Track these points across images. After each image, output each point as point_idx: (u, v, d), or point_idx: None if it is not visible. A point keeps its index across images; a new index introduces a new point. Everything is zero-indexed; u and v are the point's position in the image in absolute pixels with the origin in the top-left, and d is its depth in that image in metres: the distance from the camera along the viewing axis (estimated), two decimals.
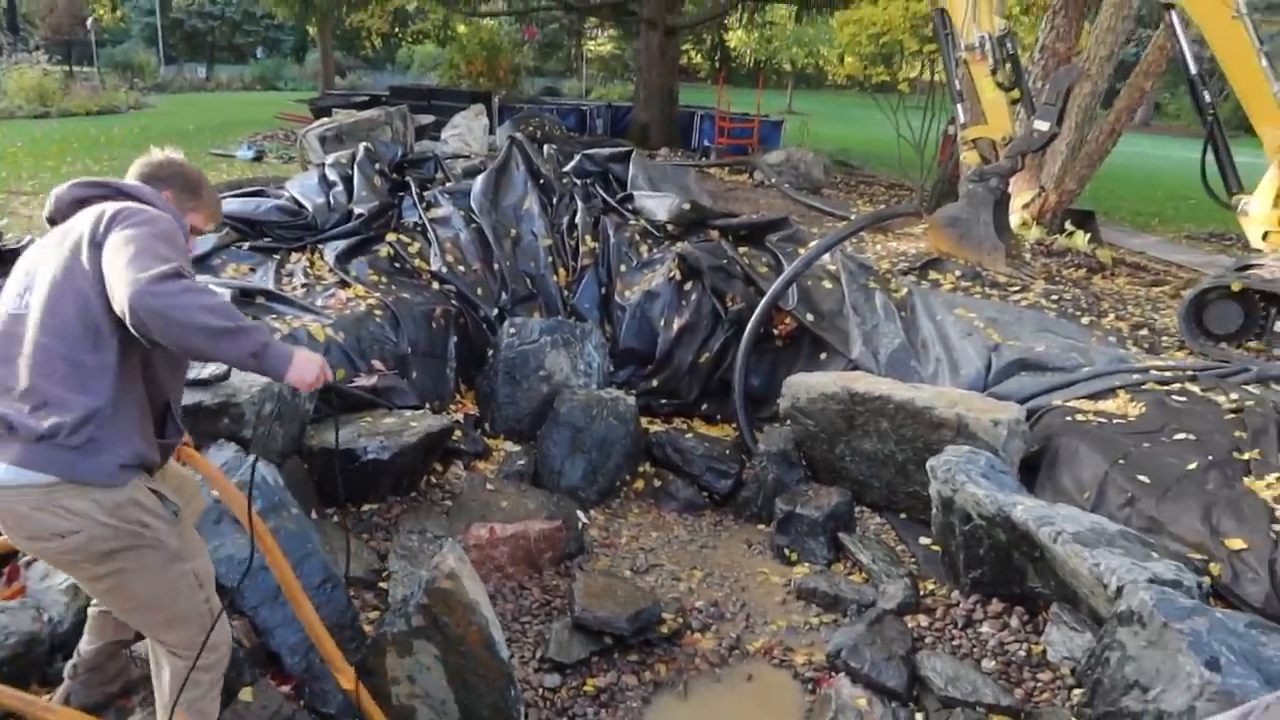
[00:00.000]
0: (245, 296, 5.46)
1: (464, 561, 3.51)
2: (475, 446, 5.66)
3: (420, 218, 6.85)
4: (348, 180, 7.01)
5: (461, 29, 25.41)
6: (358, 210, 6.69)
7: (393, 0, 18.50)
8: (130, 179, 2.46)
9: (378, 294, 5.92)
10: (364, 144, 7.59)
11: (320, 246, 6.36)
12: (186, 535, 2.47)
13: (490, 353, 6.18)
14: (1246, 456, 4.48)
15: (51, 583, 2.90)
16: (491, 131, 12.67)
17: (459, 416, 5.80)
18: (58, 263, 2.20)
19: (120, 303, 2.04)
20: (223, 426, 4.14)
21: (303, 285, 5.91)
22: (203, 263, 5.96)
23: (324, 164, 7.32)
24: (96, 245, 2.16)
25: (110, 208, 2.23)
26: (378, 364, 5.59)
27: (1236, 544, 3.97)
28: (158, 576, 2.33)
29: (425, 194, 7.18)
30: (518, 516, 4.91)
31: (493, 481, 5.38)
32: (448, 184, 7.50)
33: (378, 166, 7.35)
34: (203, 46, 36.56)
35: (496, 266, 6.69)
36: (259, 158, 13.32)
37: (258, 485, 3.68)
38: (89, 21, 29.91)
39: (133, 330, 2.06)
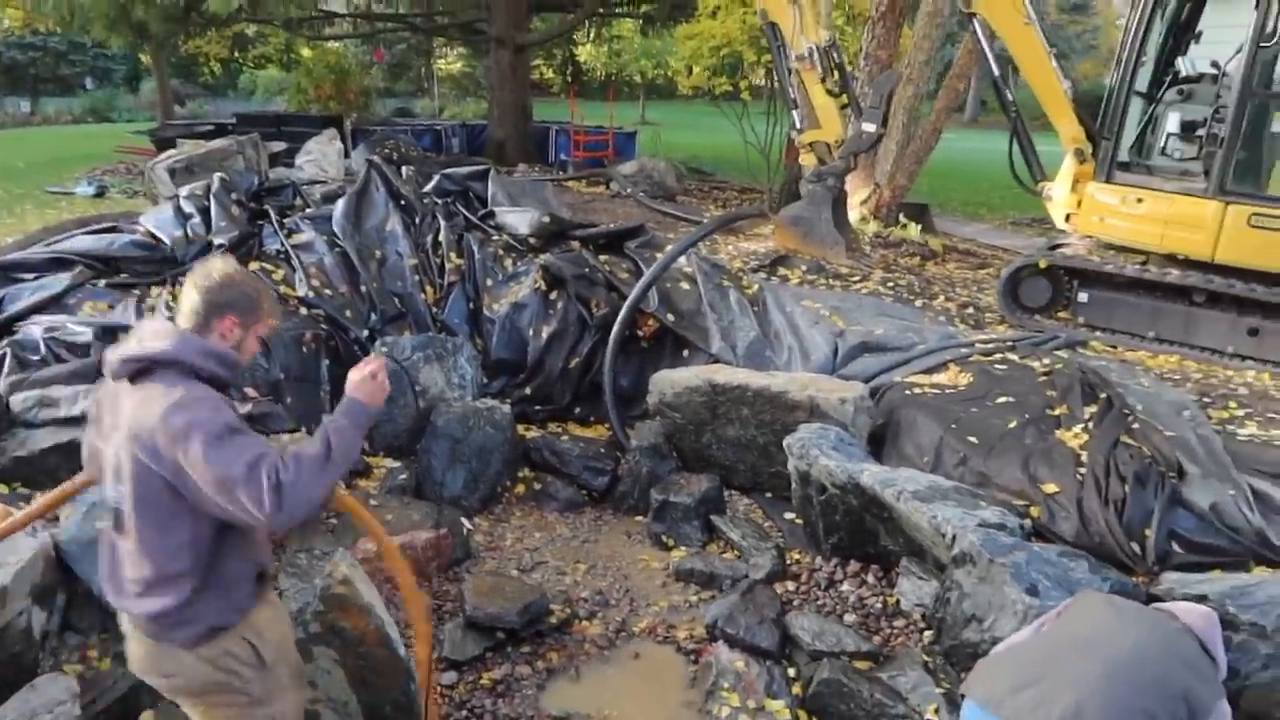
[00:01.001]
0: (107, 334, 5.42)
1: (356, 567, 3.68)
2: (355, 465, 5.76)
3: (283, 244, 6.89)
4: (205, 211, 6.98)
5: (306, 52, 24.93)
6: (218, 241, 6.68)
7: (232, 25, 18.09)
8: (189, 315, 2.47)
9: None
10: (219, 174, 7.55)
11: (181, 279, 6.31)
12: (274, 678, 2.65)
13: None
14: (1057, 412, 5.07)
15: None
16: (347, 155, 12.62)
17: None
18: (139, 468, 2.34)
19: (266, 524, 2.26)
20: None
21: (167, 318, 5.88)
22: (57, 303, 5.89)
23: (178, 196, 7.25)
24: (172, 459, 2.28)
25: (162, 419, 2.28)
26: (251, 391, 5.64)
27: (1050, 488, 4.52)
28: (253, 708, 2.60)
29: (286, 221, 7.21)
30: (403, 528, 5.05)
31: (375, 497, 5.51)
32: (308, 210, 7.55)
33: (234, 196, 7.33)
34: (25, 79, 34.50)
35: (363, 288, 6.80)
36: (101, 193, 12.83)
37: None
38: None
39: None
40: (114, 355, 2.42)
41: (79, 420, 4.18)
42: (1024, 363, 5.78)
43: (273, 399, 5.71)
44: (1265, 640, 3.51)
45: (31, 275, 6.08)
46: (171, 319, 5.86)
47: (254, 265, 6.68)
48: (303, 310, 6.48)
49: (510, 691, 4.22)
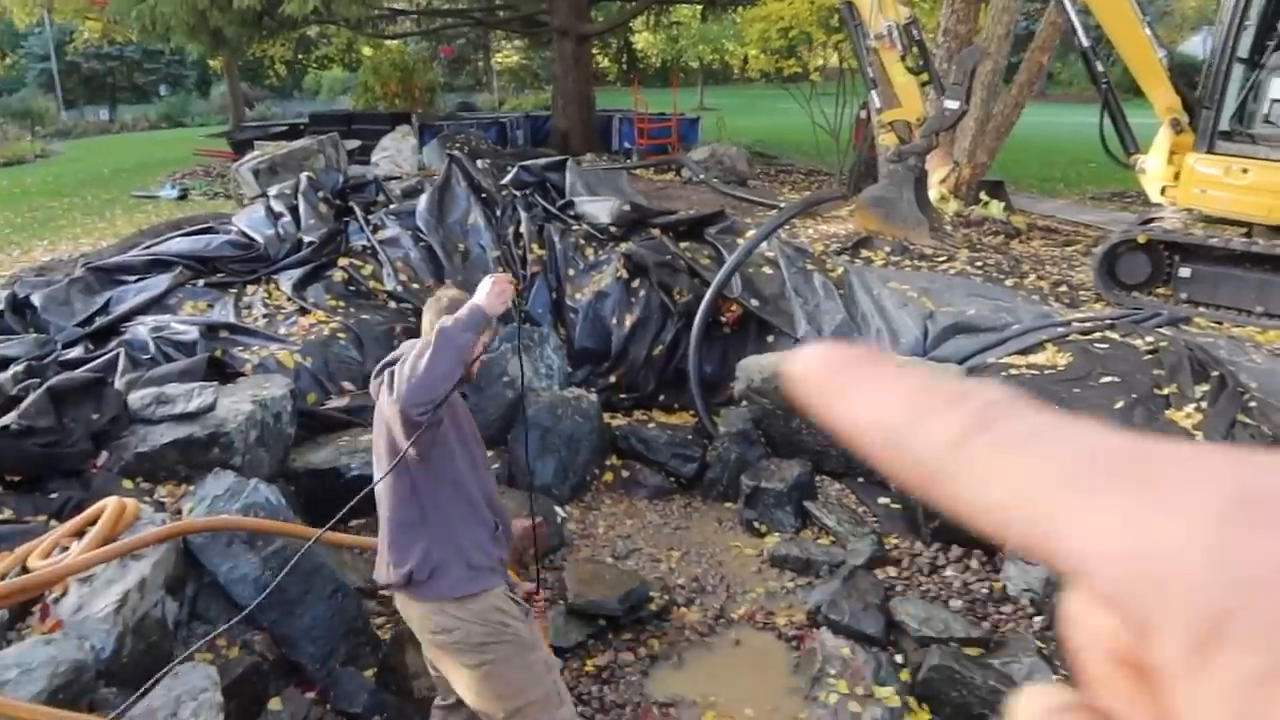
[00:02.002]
0: (210, 331, 5.58)
1: None
2: None
3: (369, 240, 7.00)
4: (294, 210, 7.13)
5: (367, 51, 25.29)
6: (308, 239, 6.82)
7: (301, 28, 18.40)
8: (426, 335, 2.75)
9: (338, 317, 6.07)
10: (306, 174, 7.70)
11: (275, 277, 6.48)
12: (533, 628, 2.93)
13: None
14: (1165, 391, 4.92)
15: (89, 613, 3.04)
16: (418, 151, 12.78)
17: None
18: (380, 446, 2.74)
19: (408, 418, 2.52)
20: (214, 456, 4.29)
21: (264, 316, 6.03)
22: (159, 303, 6.06)
23: (268, 195, 7.41)
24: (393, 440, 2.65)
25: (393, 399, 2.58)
26: (347, 385, 5.75)
27: None
28: (518, 665, 2.81)
29: (370, 217, 7.33)
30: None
31: None
32: (391, 206, 7.66)
33: (321, 194, 7.47)
34: (103, 88, 35.67)
35: (448, 281, 6.88)
36: (184, 196, 13.22)
37: (262, 506, 3.86)
38: None
39: (421, 429, 2.56)
40: (373, 381, 2.85)
41: (194, 416, 4.31)
42: (1125, 341, 5.62)
43: (366, 392, 5.81)
44: None
45: (134, 277, 6.26)
46: (268, 316, 6.00)
47: (343, 261, 6.81)
48: (391, 304, 6.58)
49: (615, 678, 4.24)
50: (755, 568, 5.16)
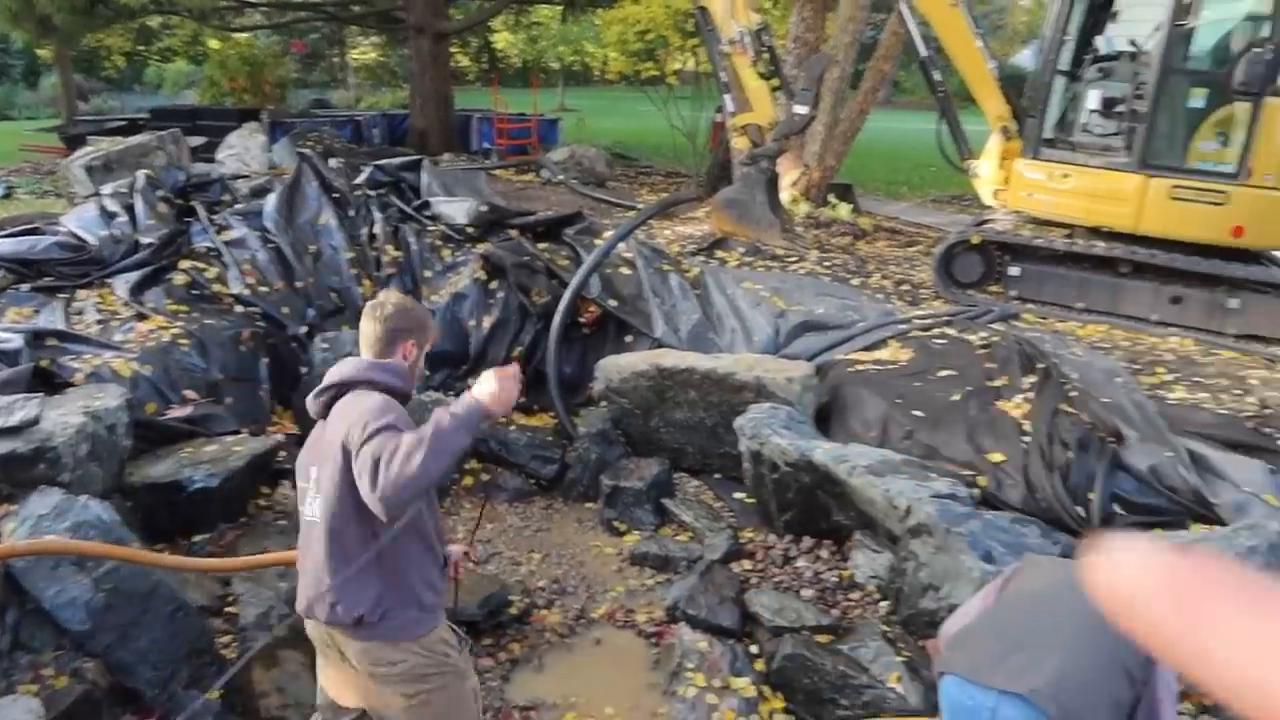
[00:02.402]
0: (37, 339, 5.22)
1: None
2: None
3: (213, 241, 6.70)
4: (130, 210, 6.75)
5: (214, 44, 24.14)
6: (145, 240, 6.47)
7: (139, 18, 17.42)
8: (373, 344, 2.72)
9: (180, 323, 5.79)
10: (143, 171, 7.30)
11: (109, 280, 6.13)
12: (466, 656, 2.93)
13: (304, 370, 6.17)
14: (997, 384, 5.23)
15: None
16: (268, 149, 12.30)
17: (280, 436, 5.77)
18: (327, 484, 2.56)
19: (379, 512, 2.38)
20: (39, 473, 4.02)
21: (97, 322, 5.69)
22: None
23: (100, 194, 6.99)
24: (346, 475, 2.47)
25: (348, 428, 2.46)
26: (190, 393, 5.49)
27: (996, 457, 4.66)
28: (454, 693, 2.79)
29: (215, 217, 7.01)
30: None
31: None
32: (237, 205, 7.35)
33: (160, 193, 7.09)
34: None
35: (299, 284, 6.65)
36: (8, 194, 12.30)
37: (93, 524, 3.64)
38: None
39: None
40: (309, 399, 2.75)
41: (17, 430, 4.02)
42: (961, 336, 5.94)
43: (212, 400, 5.57)
44: None
45: None
46: (102, 322, 5.66)
47: (185, 264, 6.50)
48: (238, 308, 6.32)
49: None
50: (615, 567, 5.20)
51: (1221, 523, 4.22)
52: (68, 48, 20.98)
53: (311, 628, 2.81)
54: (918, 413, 5.09)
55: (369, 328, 2.74)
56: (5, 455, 3.95)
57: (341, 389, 2.64)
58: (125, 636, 3.50)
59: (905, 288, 7.36)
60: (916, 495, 4.20)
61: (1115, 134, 7.00)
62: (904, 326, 6.13)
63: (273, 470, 5.36)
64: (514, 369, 2.62)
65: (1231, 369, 6.01)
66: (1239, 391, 5.59)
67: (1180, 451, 4.52)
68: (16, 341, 5.08)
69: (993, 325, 6.15)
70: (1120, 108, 6.98)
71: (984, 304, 6.86)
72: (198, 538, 4.78)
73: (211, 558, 4.32)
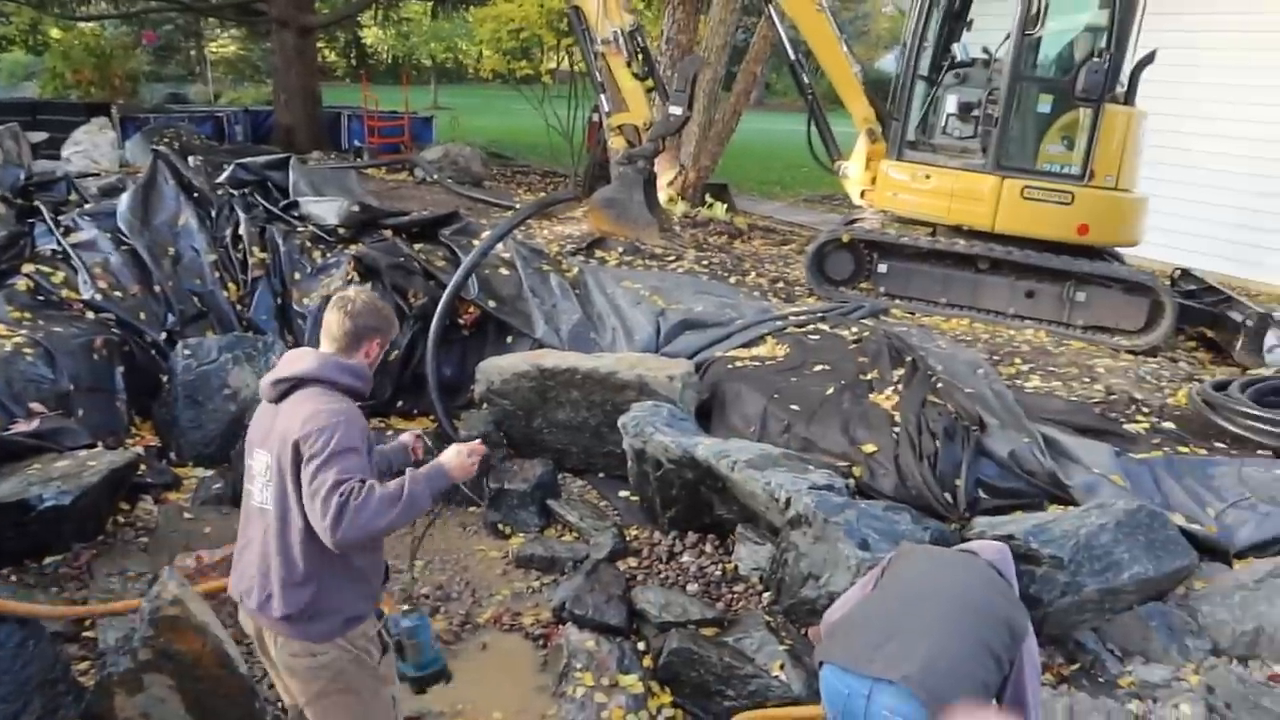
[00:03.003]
0: None
1: (185, 586, 3.44)
2: (163, 478, 5.38)
3: (60, 244, 6.30)
4: None
5: (55, 34, 22.70)
6: None
7: None
8: (338, 339, 2.73)
9: (23, 331, 5.43)
10: None
11: None
12: (388, 660, 2.91)
13: (165, 378, 5.88)
14: (868, 377, 5.41)
15: None
16: (119, 146, 11.65)
17: (139, 449, 5.47)
18: (276, 476, 2.60)
19: (328, 542, 2.48)
20: None
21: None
22: None
23: None
24: (297, 474, 2.54)
25: (299, 429, 2.53)
26: (37, 406, 5.15)
27: (870, 448, 4.82)
28: (368, 697, 2.77)
29: (61, 218, 6.59)
30: (224, 540, 4.76)
31: (190, 509, 5.17)
32: (86, 205, 6.93)
33: None
34: None
35: (158, 288, 6.33)
36: None
37: None
38: None
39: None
40: (265, 381, 2.74)
41: None
42: (834, 332, 6.12)
43: (62, 413, 5.24)
44: (1062, 570, 3.90)
45: None
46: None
47: (28, 267, 6.09)
48: (89, 315, 5.96)
49: None
50: (501, 570, 5.13)
51: (1075, 503, 4.48)
52: None
53: (242, 614, 2.83)
54: (795, 407, 5.22)
55: (336, 322, 2.74)
56: None
57: (300, 383, 2.66)
58: None
59: (780, 285, 7.54)
60: (795, 487, 4.30)
61: (972, 137, 7.34)
62: (780, 323, 6.27)
63: (132, 485, 5.08)
64: (481, 446, 2.86)
65: (1081, 358, 6.38)
66: (1088, 379, 5.95)
67: (1036, 437, 4.77)
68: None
69: (863, 320, 6.36)
70: (976, 112, 7.32)
71: (855, 300, 7.08)
72: (49, 559, 4.49)
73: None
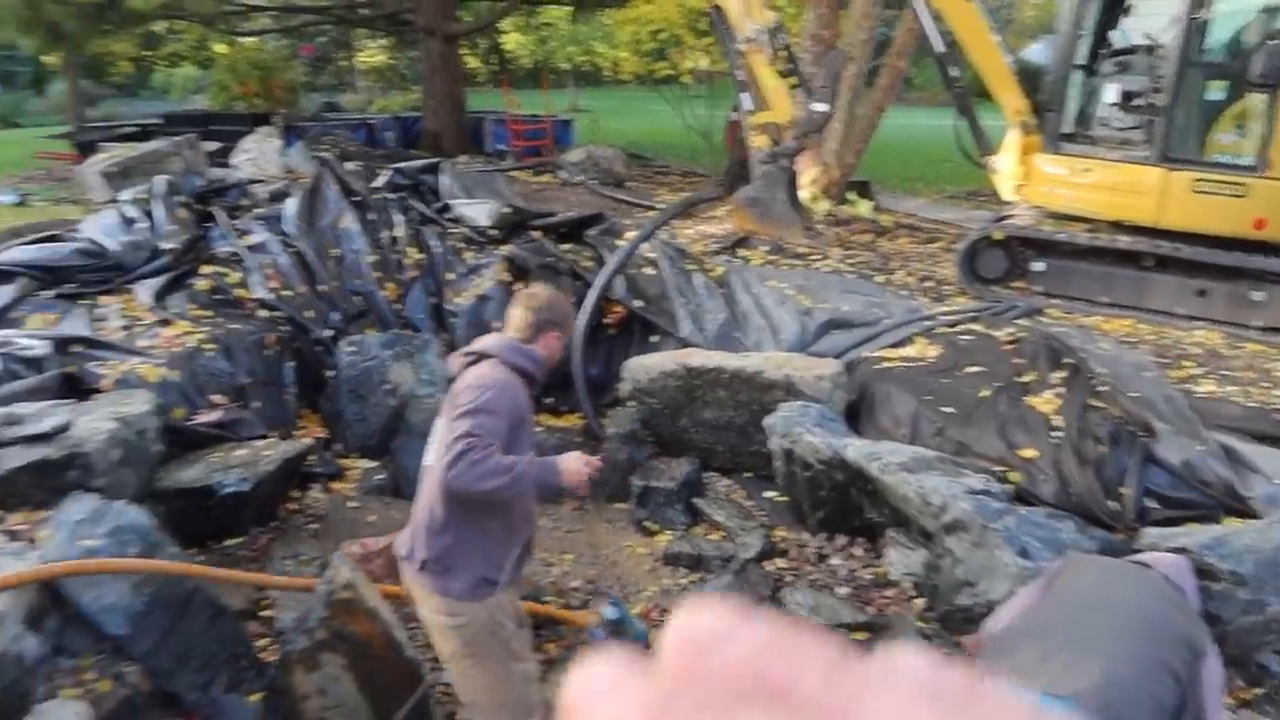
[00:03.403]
0: (63, 346, 5.24)
1: (357, 571, 3.62)
2: (330, 468, 5.66)
3: (235, 246, 6.71)
4: (150, 216, 6.77)
5: (221, 49, 24.21)
6: (166, 245, 6.48)
7: (147, 23, 17.47)
8: (521, 328, 3.01)
9: (204, 328, 5.80)
10: (162, 176, 7.32)
11: (132, 286, 6.14)
12: (523, 639, 3.13)
13: (330, 374, 6.18)
14: (1025, 379, 5.20)
15: None
16: (283, 153, 12.34)
17: (309, 440, 5.78)
18: (445, 432, 2.82)
19: (442, 481, 2.74)
20: (72, 479, 4.03)
21: (122, 328, 5.70)
22: (1, 317, 5.65)
23: (118, 200, 7.01)
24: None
25: (462, 388, 2.84)
26: (217, 398, 5.50)
27: (1028, 453, 4.64)
28: (501, 667, 2.98)
29: (235, 222, 7.03)
30: (387, 529, 4.97)
31: (355, 499, 5.43)
32: (256, 210, 7.36)
33: (179, 199, 7.11)
34: None
35: (322, 287, 6.66)
36: (23, 202, 12.36)
37: (129, 530, 3.65)
38: None
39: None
40: (453, 356, 3.11)
41: (48, 437, 4.04)
42: (988, 333, 5.91)
43: (240, 405, 5.58)
44: (1243, 587, 3.66)
45: None
46: (126, 328, 5.69)
47: (206, 269, 6.51)
48: (262, 313, 6.33)
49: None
50: (649, 566, 5.18)
51: (1255, 516, 4.20)
52: (76, 55, 21.10)
53: (403, 579, 3.09)
54: (947, 409, 5.07)
55: (519, 314, 3.03)
56: (38, 462, 3.96)
57: (482, 357, 2.94)
58: (165, 641, 3.51)
59: (929, 284, 7.34)
60: (950, 492, 4.18)
61: (1134, 128, 6.98)
62: (930, 323, 6.11)
63: (302, 474, 5.37)
64: (599, 462, 3.05)
65: (1258, 362, 5.98)
66: (1266, 384, 5.57)
67: (1212, 445, 4.50)
68: (43, 348, 5.09)
69: (1018, 321, 6.13)
70: (1138, 101, 6.95)
71: (1009, 300, 6.83)
72: (230, 541, 4.79)
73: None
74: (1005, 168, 7.66)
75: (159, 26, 22.79)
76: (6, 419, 4.10)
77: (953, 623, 4.08)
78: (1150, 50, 7.12)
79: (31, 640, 3.18)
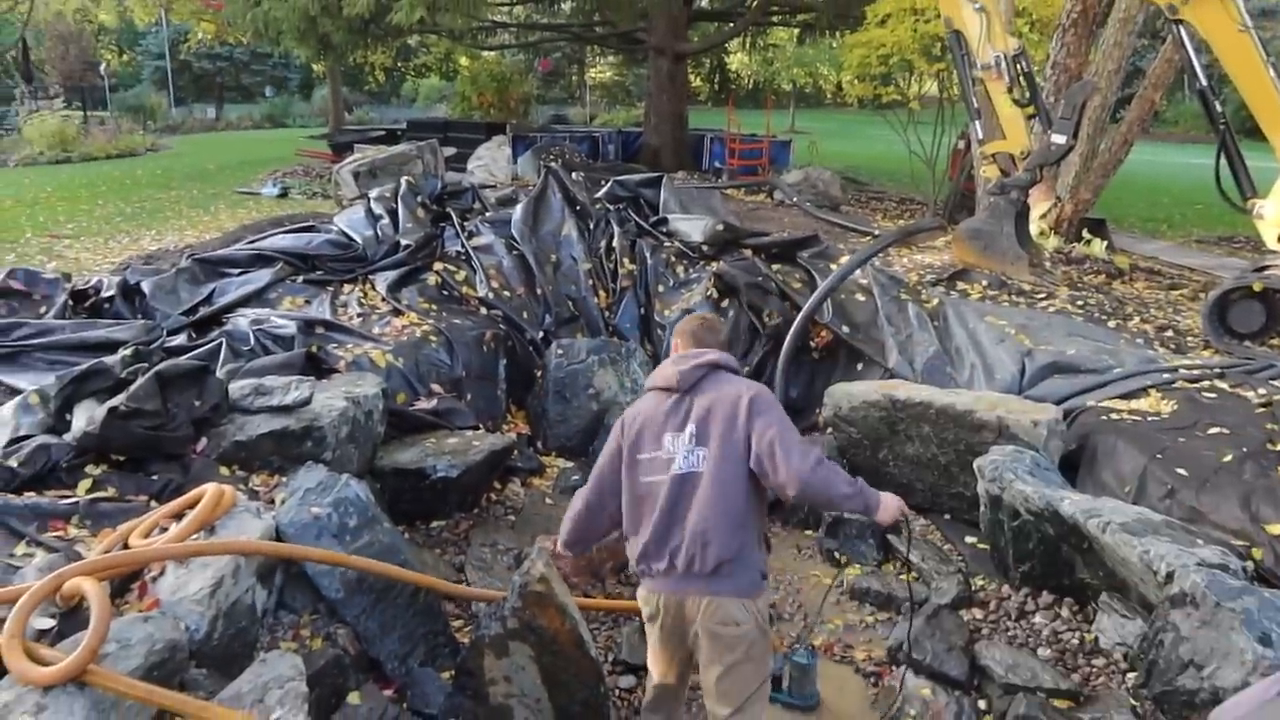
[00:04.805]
0: (308, 327, 5.71)
1: (551, 566, 3.72)
2: (530, 464, 5.88)
3: (464, 246, 7.11)
4: (393, 213, 7.28)
5: (464, 61, 25.79)
6: (405, 242, 6.95)
7: (404, 36, 18.89)
8: (714, 350, 3.28)
9: (430, 321, 6.17)
10: (406, 178, 7.88)
11: (371, 277, 6.62)
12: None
13: (539, 373, 6.42)
14: (1279, 447, 4.68)
15: (184, 594, 3.11)
16: (513, 161, 12.98)
17: (514, 435, 6.02)
18: (719, 437, 3.02)
19: (786, 484, 2.92)
20: (306, 449, 4.38)
21: (358, 315, 6.16)
22: (259, 297, 6.24)
23: (368, 198, 7.59)
24: (747, 426, 3.00)
25: (746, 394, 3.06)
26: (436, 387, 5.83)
27: (1277, 529, 4.17)
28: (763, 664, 3.14)
29: (466, 224, 7.46)
30: None
31: (551, 496, 5.60)
32: (486, 214, 7.77)
33: (419, 199, 7.62)
34: (211, 87, 37.11)
35: (539, 291, 6.94)
36: (284, 194, 13.63)
37: (352, 502, 3.91)
38: (101, 67, 30.47)
39: (785, 498, 3.10)
40: (674, 370, 3.20)
41: (290, 409, 4.40)
42: (1236, 392, 5.38)
43: (456, 395, 5.89)
44: None
45: (237, 271, 6.46)
46: (362, 315, 6.12)
47: (437, 265, 6.92)
48: (483, 311, 6.66)
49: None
50: (834, 599, 5.05)
51: None
52: (340, 64, 23.09)
53: (655, 598, 3.14)
54: (1181, 471, 4.65)
55: (703, 333, 3.36)
56: (280, 430, 4.33)
57: (715, 367, 3.18)
58: (372, 609, 3.74)
59: (1169, 334, 6.76)
60: (1180, 561, 3.82)
61: None
62: (1168, 375, 5.63)
63: (506, 467, 5.60)
64: (904, 508, 3.20)
65: None
66: None
67: None
68: (291, 328, 5.58)
69: (1274, 382, 5.53)
70: None
71: (1264, 358, 6.18)
72: (435, 523, 5.06)
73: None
74: (1271, 213, 6.93)
75: (413, 40, 24.58)
76: (257, 389, 4.51)
77: (1170, 705, 3.72)
78: None
79: (261, 593, 3.47)
